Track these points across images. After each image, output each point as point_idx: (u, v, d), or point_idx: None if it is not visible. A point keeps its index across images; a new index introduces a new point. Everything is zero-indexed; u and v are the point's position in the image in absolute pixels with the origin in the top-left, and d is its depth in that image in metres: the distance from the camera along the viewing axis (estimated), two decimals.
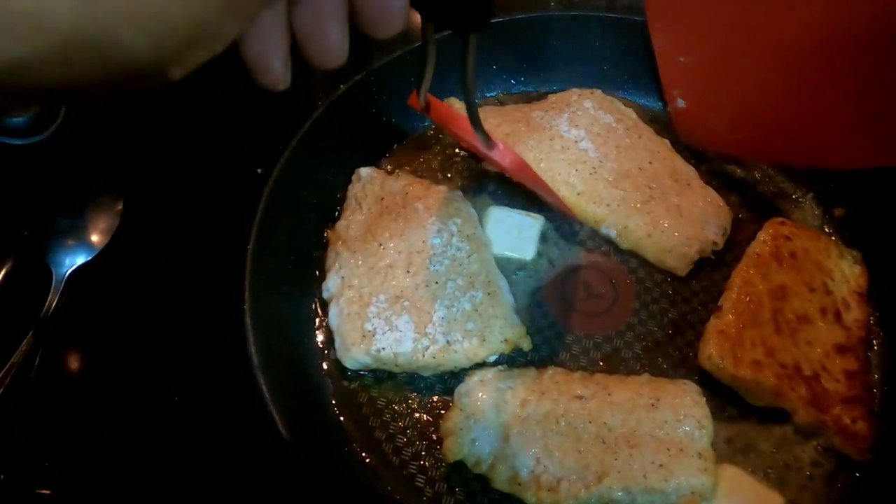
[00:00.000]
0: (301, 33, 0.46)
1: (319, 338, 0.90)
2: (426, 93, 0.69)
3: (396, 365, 0.84)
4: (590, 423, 0.78)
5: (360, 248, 0.91)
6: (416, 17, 1.43)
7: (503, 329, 0.84)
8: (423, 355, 0.83)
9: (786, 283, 0.89)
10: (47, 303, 0.94)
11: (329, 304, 0.89)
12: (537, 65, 1.12)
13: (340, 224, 0.95)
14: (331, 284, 0.90)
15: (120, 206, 1.05)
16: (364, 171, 1.00)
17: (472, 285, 0.87)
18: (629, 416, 0.79)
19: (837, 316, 0.89)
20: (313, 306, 0.92)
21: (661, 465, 0.76)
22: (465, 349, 0.83)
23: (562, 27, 1.09)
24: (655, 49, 1.04)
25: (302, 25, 0.46)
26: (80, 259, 0.99)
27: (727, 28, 0.94)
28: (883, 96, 0.81)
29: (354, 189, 0.99)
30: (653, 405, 0.80)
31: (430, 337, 0.83)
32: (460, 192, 0.98)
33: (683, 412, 0.80)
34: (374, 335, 0.84)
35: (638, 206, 0.95)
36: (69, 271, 0.97)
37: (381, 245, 0.91)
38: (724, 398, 0.85)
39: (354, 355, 0.84)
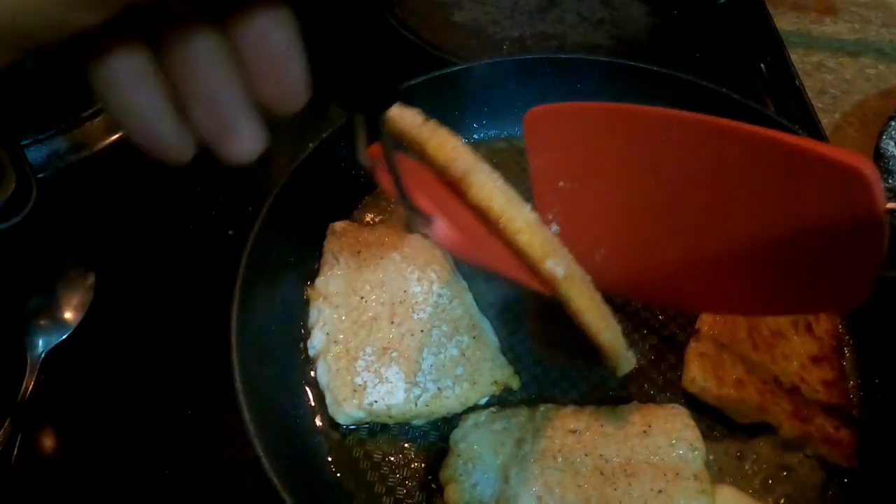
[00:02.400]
0: (253, 71, 0.40)
1: (310, 396, 0.90)
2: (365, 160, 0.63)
3: (390, 416, 0.84)
4: (586, 455, 0.80)
5: (342, 303, 0.92)
6: None
7: (492, 371, 0.86)
8: (416, 404, 0.83)
9: None
10: (23, 387, 0.92)
11: (316, 361, 0.89)
12: (497, 109, 1.15)
13: (320, 280, 0.95)
14: (316, 342, 0.90)
15: (92, 280, 1.03)
16: (338, 226, 1.01)
17: (457, 330, 0.88)
18: (623, 446, 0.80)
19: (808, 328, 0.92)
20: (300, 366, 0.92)
21: (659, 492, 0.77)
22: (457, 394, 0.84)
23: (516, 70, 1.13)
24: (531, 168, 0.92)
25: (253, 61, 0.39)
26: (55, 338, 0.97)
27: (602, 160, 0.84)
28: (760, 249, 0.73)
29: (330, 244, 0.99)
30: (645, 432, 0.82)
31: (421, 385, 0.84)
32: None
33: (675, 436, 0.81)
34: (364, 389, 0.84)
35: None
36: (44, 352, 0.95)
37: (362, 298, 0.92)
38: (711, 418, 0.87)
39: (347, 411, 0.83)
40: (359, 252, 0.97)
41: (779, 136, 0.66)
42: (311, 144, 1.00)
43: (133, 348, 0.99)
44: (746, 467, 0.84)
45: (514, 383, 0.87)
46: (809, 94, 1.30)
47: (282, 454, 0.78)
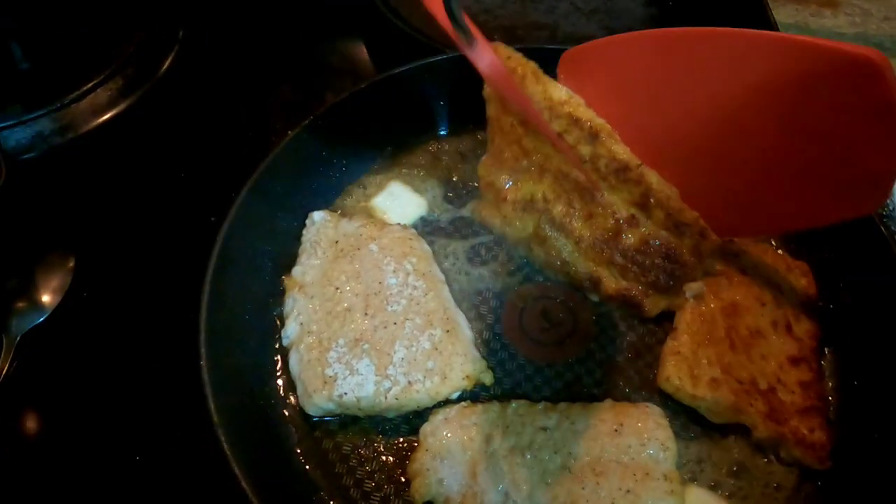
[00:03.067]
0: None
1: (281, 386, 0.89)
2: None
3: (359, 409, 0.83)
4: (555, 453, 0.79)
5: (318, 293, 0.91)
6: (365, 56, 1.44)
7: (464, 365, 0.85)
8: (386, 397, 0.82)
9: (737, 300, 0.91)
10: None
11: (289, 351, 0.88)
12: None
13: (296, 270, 0.95)
14: (290, 331, 0.89)
15: (72, 263, 1.03)
16: (317, 215, 1.00)
17: (430, 323, 0.87)
18: (593, 444, 0.80)
19: (788, 328, 0.91)
20: (273, 355, 0.91)
21: (627, 491, 0.77)
22: (427, 388, 0.83)
23: None
24: None
25: None
26: (32, 321, 0.97)
27: (633, 86, 0.87)
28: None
29: (308, 233, 0.99)
30: (616, 431, 0.81)
31: (392, 378, 0.83)
32: (413, 230, 0.99)
33: (647, 435, 0.81)
34: (335, 380, 0.83)
35: None
36: (20, 335, 0.95)
37: (337, 289, 0.91)
38: (686, 418, 0.86)
39: (317, 402, 0.83)
40: (336, 242, 0.96)
41: (796, 38, 0.67)
42: (289, 132, 0.99)
43: (109, 332, 0.98)
44: (719, 468, 0.83)
45: (487, 378, 0.86)
46: None
47: (248, 443, 0.77)
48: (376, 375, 0.83)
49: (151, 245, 1.08)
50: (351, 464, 0.84)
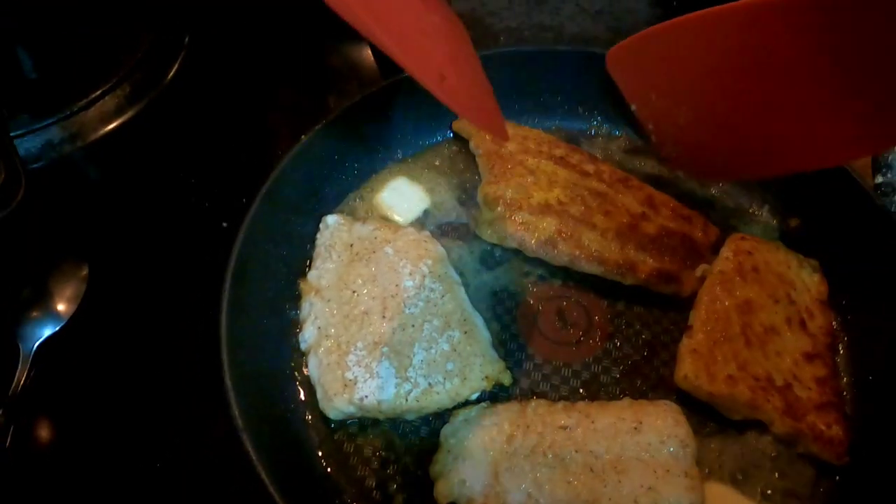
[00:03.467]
0: None
1: (301, 390, 0.89)
2: None
3: (380, 412, 0.84)
4: (576, 452, 0.79)
5: (334, 297, 0.92)
6: (369, 59, 1.44)
7: (483, 366, 0.85)
8: (406, 400, 0.83)
9: (751, 297, 0.92)
10: (16, 378, 0.92)
11: (307, 355, 0.89)
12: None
13: (312, 274, 0.95)
14: (307, 335, 0.90)
15: (85, 272, 1.03)
16: (331, 219, 1.01)
17: (448, 325, 0.88)
18: (614, 442, 0.80)
19: (802, 324, 0.92)
20: (291, 359, 0.92)
21: (649, 488, 0.77)
22: (448, 390, 0.83)
23: (512, 62, 1.12)
24: (626, 95, 1.03)
25: None
26: (48, 331, 0.97)
27: (682, 66, 0.93)
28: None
29: (323, 238, 0.99)
30: (636, 429, 0.81)
31: (412, 381, 0.84)
32: (428, 232, 1.00)
33: (667, 433, 0.81)
34: (355, 384, 0.84)
35: None
36: (36, 344, 0.95)
37: (354, 292, 0.91)
38: (702, 415, 0.87)
39: (337, 405, 0.83)
40: (351, 245, 0.97)
41: None
42: (303, 137, 0.99)
43: (125, 340, 0.99)
44: (737, 464, 0.84)
45: (506, 379, 0.87)
46: None
47: (271, 448, 0.78)
48: (396, 378, 0.84)
49: (164, 252, 1.08)
50: (373, 466, 0.84)
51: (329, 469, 0.84)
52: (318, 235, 1.00)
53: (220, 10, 1.46)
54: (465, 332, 0.87)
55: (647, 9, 1.37)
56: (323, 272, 0.95)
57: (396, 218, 1.05)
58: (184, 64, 1.32)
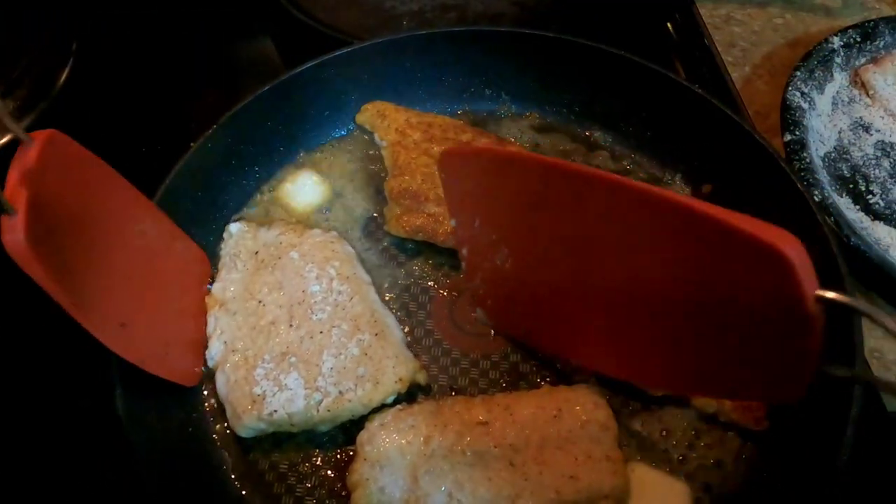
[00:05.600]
0: None
1: (208, 409, 0.85)
2: None
3: (292, 425, 0.80)
4: (495, 447, 0.77)
5: (240, 309, 0.87)
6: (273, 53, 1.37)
7: (396, 368, 0.82)
8: (318, 410, 0.79)
9: None
10: None
11: (215, 372, 0.85)
12: (398, 88, 1.10)
13: (216, 287, 0.91)
14: (214, 352, 0.86)
15: None
16: (234, 227, 0.96)
17: (357, 328, 0.84)
18: (533, 433, 0.78)
19: None
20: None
21: (571, 477, 0.76)
22: (360, 396, 0.80)
23: (415, 47, 1.08)
24: (446, 199, 0.86)
25: None
26: None
27: (503, 204, 0.78)
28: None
29: (227, 247, 0.95)
30: (555, 416, 0.80)
31: (322, 390, 0.80)
32: (335, 233, 0.96)
33: (586, 417, 0.80)
34: (264, 399, 0.80)
35: None
36: None
37: (260, 302, 0.87)
38: (625, 394, 0.85)
39: (247, 423, 0.80)
40: (256, 253, 0.92)
41: (693, 205, 0.57)
42: (192, 144, 0.94)
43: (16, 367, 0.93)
44: (662, 439, 0.83)
45: (421, 378, 0.84)
46: (720, 48, 1.28)
47: (178, 476, 0.74)
48: (305, 389, 0.80)
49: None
50: (289, 482, 0.81)
51: (244, 491, 0.80)
52: (223, 245, 0.95)
53: (111, 12, 1.39)
54: (376, 335, 0.84)
55: None
56: (228, 283, 0.91)
57: (299, 213, 1.01)
58: (73, 72, 1.25)
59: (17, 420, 0.89)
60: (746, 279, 0.58)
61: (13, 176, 0.60)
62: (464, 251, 0.88)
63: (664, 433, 0.84)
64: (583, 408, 0.80)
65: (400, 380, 0.82)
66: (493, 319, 0.91)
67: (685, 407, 0.84)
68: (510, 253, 0.80)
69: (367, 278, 0.91)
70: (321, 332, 0.84)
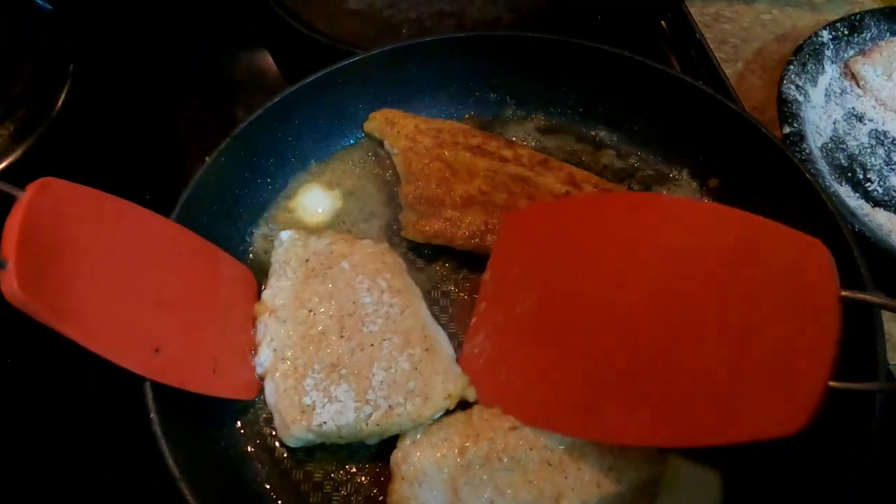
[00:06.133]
0: None
1: (240, 423, 0.85)
2: None
3: (340, 437, 0.79)
4: (531, 450, 0.77)
5: (290, 317, 0.86)
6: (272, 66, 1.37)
7: (445, 384, 0.81)
8: (367, 424, 0.78)
9: None
10: None
11: (263, 380, 0.83)
12: (402, 96, 1.11)
13: (266, 294, 0.89)
14: (263, 358, 0.84)
15: None
16: (285, 234, 0.95)
17: (408, 343, 0.83)
18: None
19: None
20: None
21: (609, 468, 0.76)
22: (409, 411, 0.79)
23: (417, 55, 1.09)
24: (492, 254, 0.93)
25: None
26: None
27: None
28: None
29: (278, 254, 0.93)
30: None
31: (372, 403, 0.79)
32: (386, 244, 0.96)
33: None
34: (313, 409, 0.79)
35: None
36: None
37: (311, 311, 0.86)
38: None
39: (296, 433, 0.78)
40: (307, 261, 0.91)
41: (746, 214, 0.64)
42: (207, 159, 0.93)
43: (46, 398, 0.92)
44: None
45: (471, 395, 0.83)
46: (711, 46, 1.31)
47: (214, 490, 0.73)
48: (356, 402, 0.79)
49: None
50: (325, 490, 0.81)
51: (279, 501, 0.80)
52: (273, 252, 0.94)
53: (106, 31, 1.37)
54: (427, 349, 0.83)
55: None
56: (278, 291, 0.89)
57: (315, 222, 1.02)
58: (72, 92, 1.24)
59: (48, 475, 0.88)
60: (781, 277, 0.60)
61: (5, 230, 0.62)
62: (482, 306, 0.89)
63: None
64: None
65: (449, 396, 0.81)
66: (485, 393, 0.84)
67: None
68: (539, 298, 0.82)
69: (417, 291, 0.91)
70: (372, 345, 0.83)
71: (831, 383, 0.56)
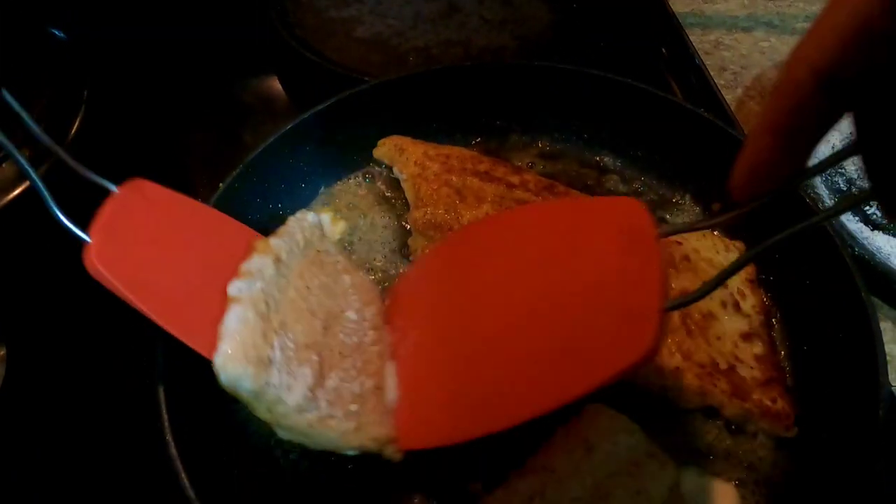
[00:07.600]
0: None
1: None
2: None
3: (268, 411, 0.73)
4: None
5: (289, 278, 0.84)
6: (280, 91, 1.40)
7: (375, 427, 0.78)
8: (301, 417, 0.74)
9: (686, 287, 0.94)
10: None
11: (231, 303, 0.76)
12: (410, 124, 1.13)
13: (276, 242, 0.85)
14: (244, 286, 0.78)
15: (2, 352, 0.97)
16: (311, 216, 0.94)
17: (365, 371, 0.83)
18: (583, 478, 0.77)
19: (737, 306, 0.94)
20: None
21: (637, 492, 0.76)
22: (341, 429, 0.76)
23: (424, 84, 1.12)
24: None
25: None
26: None
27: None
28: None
29: (300, 221, 0.92)
30: (588, 450, 0.79)
31: (317, 402, 0.76)
32: (380, 288, 0.98)
33: (611, 433, 0.80)
34: (269, 365, 0.73)
35: None
36: None
37: (308, 288, 0.86)
38: (655, 408, 0.87)
39: (232, 370, 0.71)
40: (318, 251, 0.92)
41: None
42: (220, 185, 0.95)
43: (50, 425, 0.93)
44: (696, 452, 0.85)
45: (392, 453, 0.78)
46: (711, 73, 1.34)
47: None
48: (308, 391, 0.75)
49: (87, 324, 1.03)
50: None
51: None
52: (295, 216, 0.93)
53: (119, 59, 1.41)
54: (376, 387, 0.82)
55: (548, 14, 1.39)
56: (287, 248, 0.87)
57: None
58: (85, 119, 1.27)
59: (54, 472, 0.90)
60: (610, 237, 0.69)
61: (96, 215, 0.75)
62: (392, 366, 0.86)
63: (699, 444, 0.86)
64: (604, 427, 0.80)
65: (374, 439, 0.77)
66: (425, 437, 0.78)
67: (716, 418, 0.87)
68: (447, 325, 0.83)
69: (389, 337, 0.89)
70: (340, 353, 0.82)
71: (667, 305, 0.63)
